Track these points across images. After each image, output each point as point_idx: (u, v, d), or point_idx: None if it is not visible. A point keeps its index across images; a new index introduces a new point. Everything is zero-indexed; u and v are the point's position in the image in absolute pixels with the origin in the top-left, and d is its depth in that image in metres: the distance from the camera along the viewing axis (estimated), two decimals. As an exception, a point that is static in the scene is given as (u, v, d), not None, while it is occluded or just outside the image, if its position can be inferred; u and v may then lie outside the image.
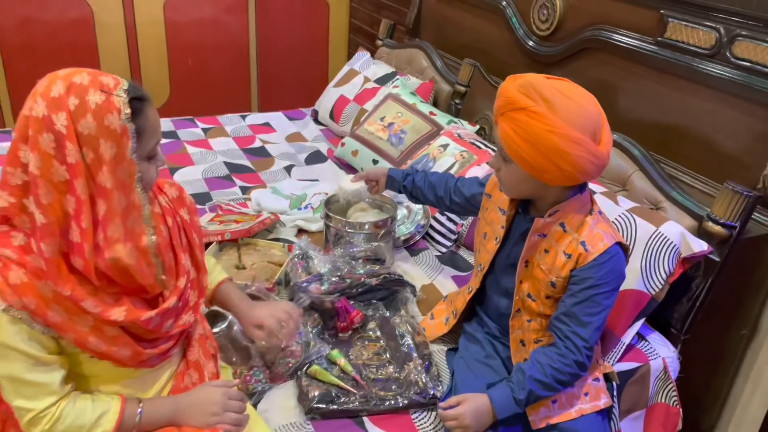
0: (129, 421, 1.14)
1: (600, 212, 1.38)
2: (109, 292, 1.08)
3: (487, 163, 1.41)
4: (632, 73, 2.02)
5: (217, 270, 1.46)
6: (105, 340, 1.07)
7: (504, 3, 2.55)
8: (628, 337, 1.61)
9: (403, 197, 2.14)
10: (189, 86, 3.93)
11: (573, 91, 1.25)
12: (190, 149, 2.74)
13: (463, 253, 2.09)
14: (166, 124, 3.00)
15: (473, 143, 2.23)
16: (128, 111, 1.00)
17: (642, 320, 1.63)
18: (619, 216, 1.69)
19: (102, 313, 1.05)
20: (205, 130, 2.98)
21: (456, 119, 2.54)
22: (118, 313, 1.06)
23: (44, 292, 1.01)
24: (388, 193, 2.16)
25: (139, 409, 1.15)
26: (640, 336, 1.70)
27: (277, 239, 2.06)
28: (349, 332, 1.64)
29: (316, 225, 2.11)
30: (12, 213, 1.02)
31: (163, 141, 2.79)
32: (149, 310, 1.12)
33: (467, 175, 2.07)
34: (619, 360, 1.62)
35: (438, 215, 2.10)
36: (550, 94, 1.22)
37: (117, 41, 3.68)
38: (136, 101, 1.03)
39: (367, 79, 2.97)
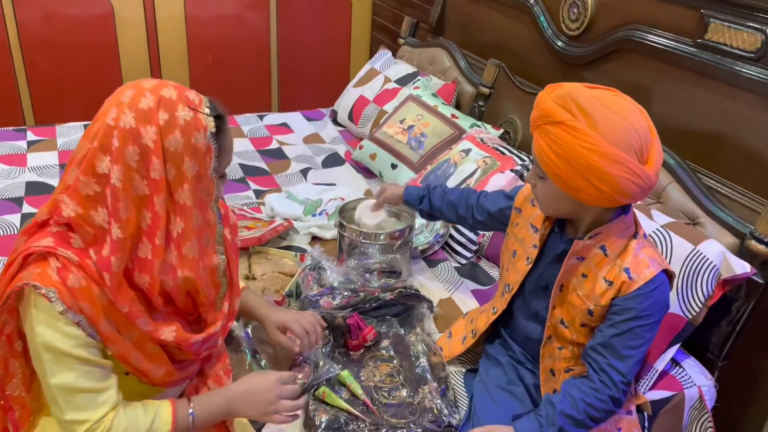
0: (182, 422, 1.09)
1: (645, 236, 1.26)
2: (162, 311, 1.06)
3: (524, 178, 1.30)
4: (668, 76, 1.89)
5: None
6: (145, 356, 1.05)
7: (532, 1, 2.43)
8: (661, 363, 1.50)
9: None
10: (209, 84, 3.88)
11: (618, 103, 1.13)
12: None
13: (484, 265, 1.98)
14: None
15: (497, 148, 2.12)
16: (214, 129, 0.99)
17: (677, 346, 1.51)
18: (654, 232, 1.57)
19: (153, 332, 1.03)
20: (221, 131, 2.91)
21: (479, 123, 2.43)
22: (168, 333, 1.05)
23: (101, 300, 0.98)
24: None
25: (191, 410, 1.10)
26: (674, 362, 1.58)
27: (289, 247, 1.98)
28: (361, 350, 1.55)
29: (331, 233, 2.02)
30: (75, 222, 0.98)
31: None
32: (194, 333, 1.10)
33: (490, 182, 1.97)
34: (652, 388, 1.51)
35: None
36: (590, 107, 1.11)
37: (137, 38, 3.65)
38: (218, 120, 1.02)
39: (387, 79, 2.88)
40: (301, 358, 1.48)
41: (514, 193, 1.51)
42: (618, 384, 1.21)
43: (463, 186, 2.03)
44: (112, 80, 3.27)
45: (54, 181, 2.33)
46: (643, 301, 1.18)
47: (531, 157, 1.22)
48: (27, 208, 2.15)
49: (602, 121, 1.10)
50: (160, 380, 1.09)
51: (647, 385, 1.50)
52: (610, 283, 1.21)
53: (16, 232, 2.00)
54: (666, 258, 1.53)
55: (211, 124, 0.99)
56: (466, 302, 1.79)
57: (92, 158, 0.96)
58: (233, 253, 1.20)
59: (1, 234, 2.00)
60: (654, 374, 1.50)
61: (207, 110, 1.00)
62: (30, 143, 2.66)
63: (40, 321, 0.96)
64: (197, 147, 0.98)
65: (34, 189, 2.28)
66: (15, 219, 2.08)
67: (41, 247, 0.97)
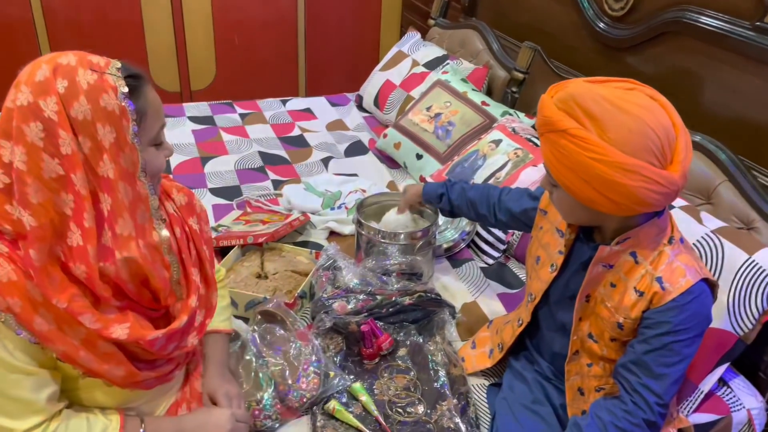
0: None
1: (682, 240, 1.13)
2: (113, 305, 0.95)
3: (540, 184, 1.18)
4: (722, 62, 1.72)
5: (222, 316, 1.32)
6: (97, 356, 0.95)
7: (572, -21, 2.26)
8: (707, 384, 1.35)
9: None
10: (235, 66, 3.80)
11: (631, 99, 1.00)
12: (226, 137, 2.59)
13: (513, 266, 1.85)
14: (203, 108, 2.87)
15: (529, 140, 1.98)
16: (125, 89, 0.90)
17: (726, 365, 1.36)
18: (702, 238, 1.42)
19: (102, 329, 0.93)
20: (242, 116, 2.82)
21: (512, 111, 2.27)
22: (121, 331, 0.94)
23: (33, 295, 0.89)
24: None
25: (142, 429, 1.03)
26: (721, 381, 1.44)
27: (306, 243, 1.87)
28: (376, 360, 1.44)
29: (349, 228, 1.91)
30: None
31: (199, 127, 2.65)
32: (154, 330, 0.99)
33: (520, 177, 1.83)
34: (696, 410, 1.36)
35: (486, 221, 1.87)
36: (598, 109, 0.99)
37: (163, 17, 3.58)
38: (132, 79, 0.91)
39: (415, 63, 2.73)
40: (309, 367, 1.38)
41: (539, 192, 1.39)
42: (653, 406, 1.09)
43: (491, 181, 1.89)
44: (138, 60, 3.22)
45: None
46: (678, 314, 1.06)
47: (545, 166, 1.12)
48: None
49: (612, 124, 0.98)
50: (122, 382, 1.00)
51: (691, 408, 1.36)
52: (641, 294, 1.09)
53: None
54: (717, 268, 1.38)
55: (120, 83, 0.89)
56: (492, 307, 1.66)
57: None
58: (201, 244, 1.13)
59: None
60: (699, 395, 1.36)
61: (116, 71, 0.90)
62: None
63: None
64: (109, 111, 0.88)
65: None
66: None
67: None
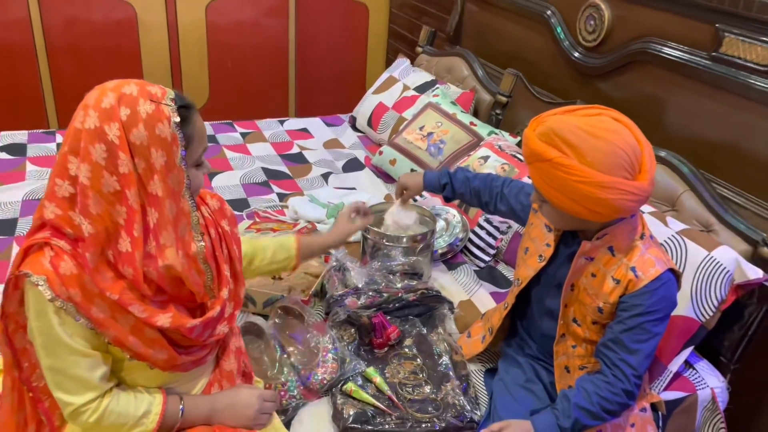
0: (171, 417, 1.16)
1: (651, 236, 1.33)
2: (156, 300, 1.09)
3: (530, 199, 1.37)
4: (683, 88, 1.95)
5: (286, 240, 1.56)
6: (143, 341, 1.08)
7: (549, 12, 2.49)
8: (675, 365, 1.55)
9: (442, 208, 2.12)
10: (228, 89, 3.95)
11: (601, 126, 1.19)
12: (229, 154, 2.75)
13: (502, 268, 2.04)
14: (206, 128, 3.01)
15: (514, 155, 2.19)
16: (177, 119, 1.02)
17: (690, 348, 1.56)
18: (669, 238, 1.63)
19: (148, 318, 1.06)
20: (243, 135, 2.99)
21: (497, 130, 2.49)
22: (164, 320, 1.08)
23: (91, 287, 1.02)
24: (427, 203, 2.13)
25: (181, 406, 1.18)
26: (687, 364, 1.64)
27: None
28: (386, 349, 1.61)
29: (354, 235, 2.08)
30: (58, 224, 1.03)
31: (202, 145, 2.80)
32: (192, 319, 1.13)
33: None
34: (666, 388, 1.56)
35: (477, 229, 2.06)
36: (575, 139, 1.17)
37: (159, 43, 3.71)
38: (184, 109, 1.05)
39: (406, 87, 2.95)
40: (327, 354, 1.54)
41: (532, 191, 1.54)
42: (630, 377, 1.27)
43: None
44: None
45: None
46: (649, 298, 1.25)
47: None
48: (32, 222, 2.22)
49: (588, 150, 1.16)
50: (164, 365, 1.13)
51: (661, 386, 1.56)
52: (618, 282, 1.28)
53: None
54: (680, 263, 1.58)
55: (174, 114, 1.02)
56: (486, 304, 1.85)
57: (64, 161, 1.01)
58: (232, 244, 1.25)
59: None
60: (668, 375, 1.55)
61: (170, 101, 1.02)
62: (59, 145, 2.74)
63: (31, 307, 1.03)
64: (162, 138, 1.00)
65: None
66: (48, 218, 2.15)
67: (38, 239, 1.03)
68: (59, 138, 2.81)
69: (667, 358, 1.55)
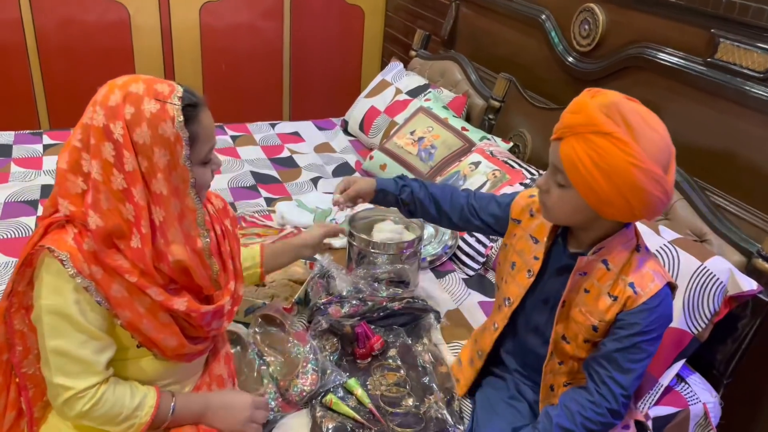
0: (163, 413, 1.15)
1: (647, 248, 1.26)
2: (169, 288, 1.11)
3: (536, 184, 1.25)
4: (677, 94, 1.91)
5: (251, 248, 1.56)
6: (156, 326, 1.09)
7: (543, 17, 2.46)
8: (666, 378, 1.50)
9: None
10: (222, 92, 3.92)
11: (652, 118, 1.11)
12: (218, 156, 2.70)
13: (492, 277, 1.99)
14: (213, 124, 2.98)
15: (506, 162, 2.14)
16: (181, 119, 1.02)
17: (682, 361, 1.52)
18: (661, 248, 1.59)
19: (165, 301, 1.08)
20: (233, 138, 2.95)
21: (489, 136, 2.45)
22: (180, 303, 1.10)
23: (114, 265, 1.03)
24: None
25: (173, 404, 1.17)
26: (679, 378, 1.59)
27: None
28: (369, 359, 1.56)
29: (340, 242, 2.04)
30: (73, 219, 1.04)
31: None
32: (205, 305, 1.16)
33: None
34: (657, 403, 1.51)
35: (467, 236, 2.02)
36: (634, 120, 1.07)
37: (152, 45, 3.69)
38: (190, 108, 1.04)
39: (398, 91, 2.91)
40: (308, 365, 1.49)
41: (505, 200, 1.45)
42: (618, 397, 1.20)
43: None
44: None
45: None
46: (648, 316, 1.18)
47: (556, 165, 1.16)
48: (42, 211, 2.18)
49: (643, 136, 1.07)
50: (172, 352, 1.13)
51: (652, 400, 1.51)
52: (615, 298, 1.20)
53: (30, 234, 2.03)
54: (673, 273, 1.54)
55: (178, 113, 1.01)
56: (474, 313, 1.80)
57: (77, 157, 1.03)
58: (234, 241, 1.27)
59: (17, 236, 2.03)
60: (659, 389, 1.51)
61: (177, 100, 1.02)
62: (46, 146, 2.70)
63: (48, 283, 1.02)
64: (165, 137, 1.01)
65: (50, 192, 2.30)
66: (30, 221, 2.11)
67: (61, 216, 1.03)
68: (46, 139, 2.77)
69: (658, 371, 1.50)
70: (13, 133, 2.80)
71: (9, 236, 2.02)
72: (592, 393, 1.22)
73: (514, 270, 1.39)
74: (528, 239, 1.36)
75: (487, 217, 1.47)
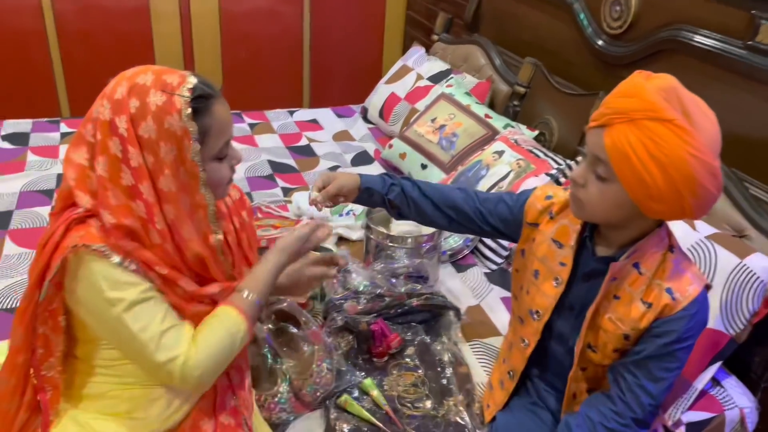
0: (249, 310, 1.09)
1: (680, 248, 1.15)
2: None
3: (570, 177, 1.13)
4: (714, 80, 1.80)
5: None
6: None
7: (572, -2, 2.35)
8: (701, 382, 1.42)
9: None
10: (241, 78, 3.88)
11: (705, 105, 1.01)
12: (236, 146, 2.65)
13: (515, 271, 1.92)
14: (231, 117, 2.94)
15: (531, 151, 2.06)
16: (189, 111, 0.97)
17: (718, 364, 1.43)
18: (697, 243, 1.49)
19: (198, 290, 1.06)
20: (251, 126, 2.90)
21: (513, 123, 2.36)
22: (214, 287, 1.08)
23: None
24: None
25: (247, 294, 1.10)
26: (714, 381, 1.50)
27: (316, 248, 1.93)
28: (386, 358, 1.51)
29: (357, 234, 1.98)
30: (95, 212, 0.99)
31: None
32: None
33: (522, 186, 1.90)
34: (690, 408, 1.43)
35: (489, 228, 1.94)
36: (692, 108, 0.97)
37: (172, 31, 3.66)
38: (202, 99, 0.99)
39: (420, 77, 2.82)
40: (322, 364, 1.44)
41: (515, 201, 1.31)
42: (645, 407, 1.11)
43: (494, 190, 1.96)
44: (146, 73, 3.28)
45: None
46: (686, 323, 1.08)
47: (597, 155, 1.04)
48: (54, 204, 2.16)
49: (701, 125, 0.97)
50: (186, 296, 1.08)
51: (686, 405, 1.43)
52: (650, 306, 1.10)
53: (46, 224, 2.01)
54: (709, 271, 1.45)
55: (185, 106, 0.96)
56: (495, 310, 1.73)
57: (93, 154, 0.98)
58: (251, 233, 1.25)
59: (33, 226, 2.01)
60: (693, 393, 1.42)
61: (186, 92, 0.97)
62: (63, 135, 2.68)
63: (100, 278, 0.97)
64: (171, 131, 0.96)
65: (65, 181, 2.29)
66: (45, 211, 2.08)
67: (81, 212, 0.98)
68: (64, 127, 2.75)
69: (693, 374, 1.42)
70: (31, 121, 2.78)
71: (25, 227, 2.00)
72: (615, 402, 1.14)
73: (538, 279, 1.26)
74: (550, 244, 1.24)
75: (497, 222, 1.33)
